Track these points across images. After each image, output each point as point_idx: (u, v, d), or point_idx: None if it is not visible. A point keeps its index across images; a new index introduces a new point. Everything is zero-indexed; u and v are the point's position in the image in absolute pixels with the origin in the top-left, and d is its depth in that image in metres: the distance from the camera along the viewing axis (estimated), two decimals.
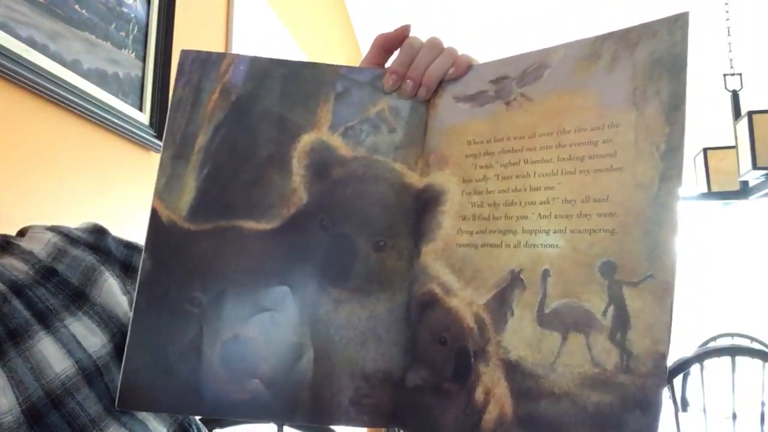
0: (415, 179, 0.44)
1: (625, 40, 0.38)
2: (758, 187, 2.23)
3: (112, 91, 0.90)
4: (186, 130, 0.44)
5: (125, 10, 0.95)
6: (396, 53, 0.48)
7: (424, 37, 0.47)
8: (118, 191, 0.95)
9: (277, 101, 0.45)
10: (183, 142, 0.44)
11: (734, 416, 1.47)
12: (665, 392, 1.40)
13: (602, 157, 0.37)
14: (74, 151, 0.86)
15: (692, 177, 2.63)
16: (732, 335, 2.86)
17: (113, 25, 0.92)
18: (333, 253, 0.43)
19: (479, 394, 0.38)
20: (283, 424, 0.86)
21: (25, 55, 0.73)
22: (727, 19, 2.32)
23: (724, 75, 2.34)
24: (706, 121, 3.31)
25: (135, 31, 0.98)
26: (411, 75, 0.45)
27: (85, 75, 0.85)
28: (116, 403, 0.40)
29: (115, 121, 0.91)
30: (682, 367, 1.37)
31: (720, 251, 3.99)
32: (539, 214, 0.39)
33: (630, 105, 0.37)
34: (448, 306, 0.41)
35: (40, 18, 0.76)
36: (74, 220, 0.52)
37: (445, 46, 0.47)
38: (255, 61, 0.46)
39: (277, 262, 0.43)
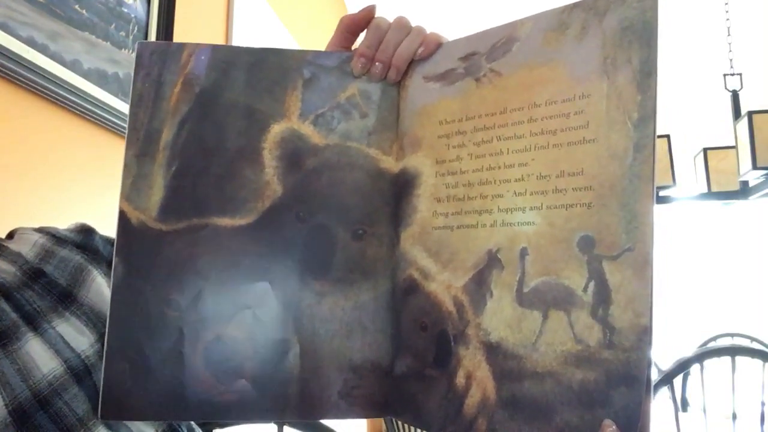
0: (391, 164, 0.43)
1: (594, 8, 0.37)
2: (758, 187, 2.22)
3: (112, 91, 0.91)
4: (149, 127, 0.43)
5: (125, 10, 0.95)
6: (363, 35, 0.46)
7: (391, 18, 0.46)
8: (118, 191, 0.95)
9: (242, 91, 0.44)
10: (147, 139, 0.42)
11: (734, 416, 1.47)
12: (665, 392, 1.39)
13: (574, 130, 0.36)
14: (74, 150, 0.86)
15: (692, 177, 2.63)
16: (732, 335, 2.85)
17: (113, 25, 0.92)
18: (312, 244, 0.42)
19: (460, 378, 0.38)
20: (283, 424, 0.86)
21: (25, 55, 0.73)
22: (727, 19, 2.32)
23: (724, 75, 2.33)
24: (706, 121, 3.31)
25: (135, 31, 0.98)
26: (380, 57, 0.44)
27: (85, 75, 0.85)
28: (99, 414, 0.39)
29: (115, 120, 0.91)
30: (682, 367, 1.37)
31: (720, 251, 3.99)
32: (514, 192, 0.38)
33: (601, 75, 0.36)
34: (427, 291, 0.40)
35: (40, 18, 0.76)
36: (74, 219, 0.52)
37: (413, 25, 0.45)
38: (216, 50, 0.44)
39: (255, 258, 0.42)
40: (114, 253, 0.41)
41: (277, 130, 0.43)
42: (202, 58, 0.44)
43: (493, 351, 0.37)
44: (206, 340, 0.41)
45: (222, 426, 0.85)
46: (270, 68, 0.44)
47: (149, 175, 0.42)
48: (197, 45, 0.44)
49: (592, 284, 0.34)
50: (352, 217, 0.42)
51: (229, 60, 0.44)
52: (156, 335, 0.40)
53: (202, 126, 0.43)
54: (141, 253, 0.41)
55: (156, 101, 0.43)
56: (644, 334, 0.32)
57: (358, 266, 0.42)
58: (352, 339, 0.41)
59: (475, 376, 0.37)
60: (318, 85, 0.44)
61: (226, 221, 0.42)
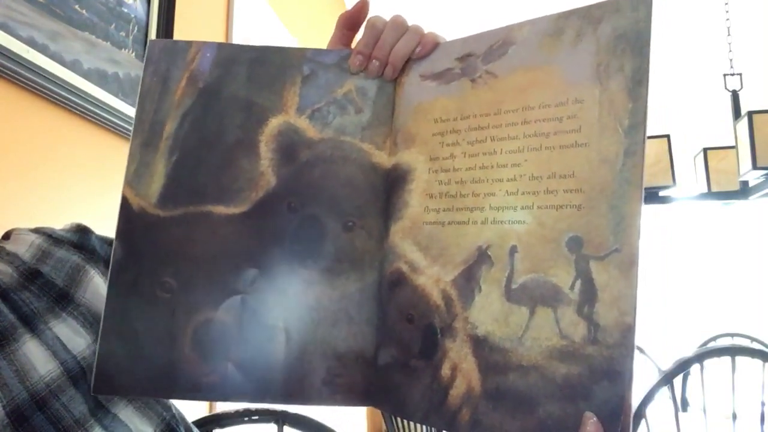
0: (384, 159, 0.44)
1: (589, 16, 0.38)
2: (758, 187, 2.22)
3: (112, 91, 0.91)
4: (155, 118, 0.45)
5: (125, 10, 0.95)
6: (361, 32, 0.47)
7: (388, 16, 0.47)
8: (117, 191, 0.95)
9: (243, 86, 0.45)
10: (152, 130, 0.45)
11: (734, 416, 1.47)
12: (665, 392, 1.39)
13: (567, 133, 0.38)
14: (74, 150, 0.86)
15: (692, 177, 2.63)
16: (732, 335, 2.85)
17: (113, 25, 0.92)
18: (302, 234, 0.43)
19: (446, 370, 0.39)
20: (283, 424, 0.86)
21: (25, 55, 0.73)
22: (727, 19, 2.32)
23: (724, 75, 2.33)
24: (706, 121, 3.31)
25: (135, 31, 0.98)
26: (377, 55, 0.45)
27: (85, 75, 0.85)
28: (91, 388, 0.41)
29: (115, 121, 0.91)
30: (682, 367, 1.37)
31: (720, 251, 3.99)
32: (506, 191, 0.39)
33: (594, 81, 0.37)
34: (416, 284, 0.41)
35: (40, 18, 0.76)
36: (74, 220, 0.52)
37: (410, 24, 0.46)
38: (221, 48, 0.46)
39: (246, 246, 0.43)
40: (115, 235, 0.42)
41: (274, 123, 0.45)
42: (208, 55, 0.46)
43: (479, 344, 0.38)
44: (195, 323, 0.42)
45: (222, 426, 0.85)
46: (271, 65, 0.46)
47: (151, 163, 0.44)
48: (204, 42, 0.46)
49: (578, 283, 0.35)
50: (343, 209, 0.44)
51: (232, 57, 0.46)
52: (149, 316, 0.42)
53: (203, 118, 0.45)
54: (139, 237, 0.43)
55: (162, 95, 0.45)
56: (628, 331, 0.33)
57: (346, 257, 0.43)
58: (338, 328, 0.42)
59: (461, 368, 0.38)
60: (316, 81, 0.45)
61: (220, 209, 0.44)
